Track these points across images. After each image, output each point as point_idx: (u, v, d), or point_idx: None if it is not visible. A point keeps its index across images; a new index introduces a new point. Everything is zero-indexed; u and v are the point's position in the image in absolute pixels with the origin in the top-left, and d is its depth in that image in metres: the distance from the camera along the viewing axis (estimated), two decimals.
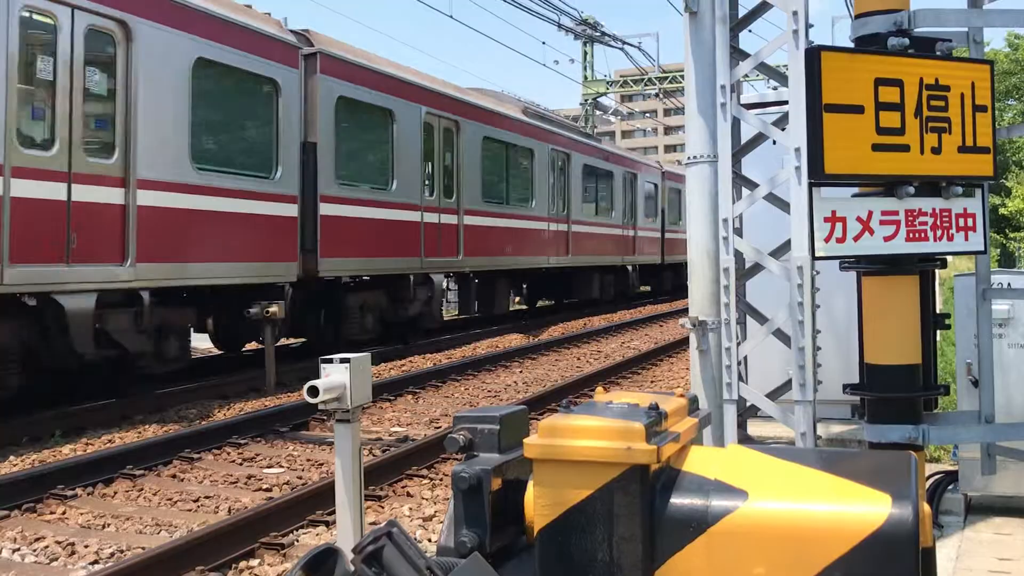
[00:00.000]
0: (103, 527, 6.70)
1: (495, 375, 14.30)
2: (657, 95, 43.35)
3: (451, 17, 26.25)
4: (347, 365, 4.87)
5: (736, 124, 6.24)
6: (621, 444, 2.19)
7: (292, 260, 13.48)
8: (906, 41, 4.78)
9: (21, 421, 9.69)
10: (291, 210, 13.47)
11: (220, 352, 15.34)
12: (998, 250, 42.60)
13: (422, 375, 13.41)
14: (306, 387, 4.74)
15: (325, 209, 14.15)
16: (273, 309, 12.20)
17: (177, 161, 11.28)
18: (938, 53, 4.92)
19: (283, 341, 17.77)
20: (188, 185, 11.44)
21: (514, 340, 19.09)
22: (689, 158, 6.12)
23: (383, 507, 7.22)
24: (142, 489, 7.62)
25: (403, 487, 7.77)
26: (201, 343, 15.46)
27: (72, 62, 9.91)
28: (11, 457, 8.57)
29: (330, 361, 4.90)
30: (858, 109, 4.57)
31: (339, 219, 14.46)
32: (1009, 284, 5.75)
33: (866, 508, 2.11)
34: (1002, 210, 42.18)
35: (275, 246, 13.09)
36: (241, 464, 8.54)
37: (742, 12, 6.36)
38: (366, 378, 5.09)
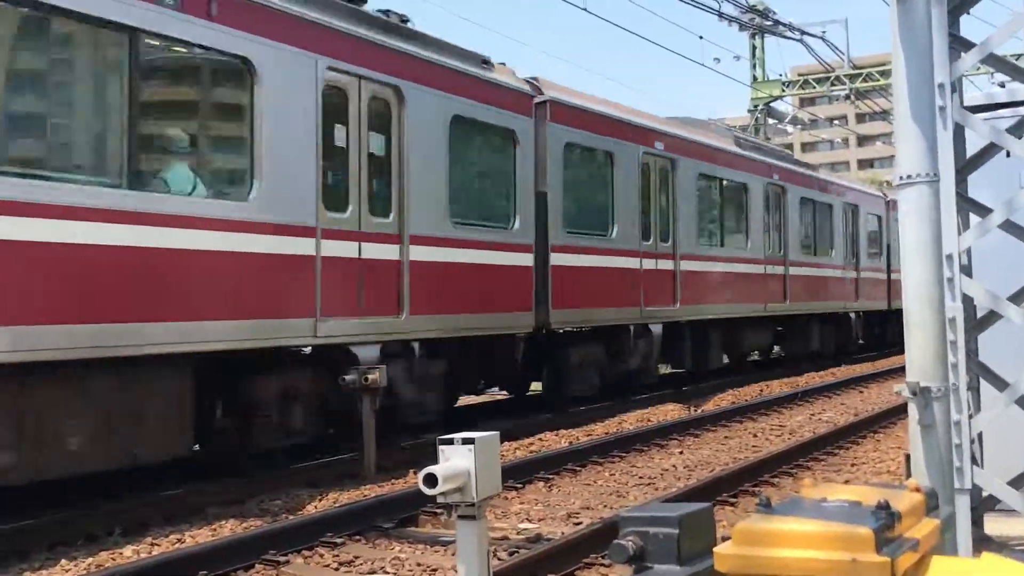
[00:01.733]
0: None
1: (647, 457, 14.19)
2: (847, 97, 42.82)
3: (585, 10, 26.10)
4: (471, 447, 4.90)
5: (959, 132, 6.10)
6: (844, 555, 2.12)
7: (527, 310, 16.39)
8: None
9: (76, 514, 10.03)
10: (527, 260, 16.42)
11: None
12: None
13: (556, 457, 13.40)
14: (422, 475, 4.78)
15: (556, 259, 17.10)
16: (373, 376, 12.37)
17: (438, 215, 14.27)
18: None
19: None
20: (447, 239, 14.47)
21: (670, 411, 18.92)
22: (901, 178, 5.99)
23: None
24: None
25: None
26: None
27: (360, 128, 12.81)
28: (63, 561, 8.85)
29: (450, 442, 4.93)
30: None
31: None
32: None
33: None
34: None
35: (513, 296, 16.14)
36: (337, 569, 8.65)
37: None
38: (494, 463, 5.10)
